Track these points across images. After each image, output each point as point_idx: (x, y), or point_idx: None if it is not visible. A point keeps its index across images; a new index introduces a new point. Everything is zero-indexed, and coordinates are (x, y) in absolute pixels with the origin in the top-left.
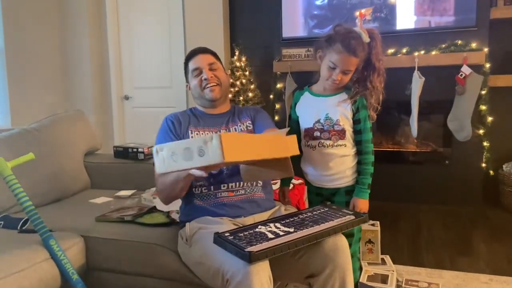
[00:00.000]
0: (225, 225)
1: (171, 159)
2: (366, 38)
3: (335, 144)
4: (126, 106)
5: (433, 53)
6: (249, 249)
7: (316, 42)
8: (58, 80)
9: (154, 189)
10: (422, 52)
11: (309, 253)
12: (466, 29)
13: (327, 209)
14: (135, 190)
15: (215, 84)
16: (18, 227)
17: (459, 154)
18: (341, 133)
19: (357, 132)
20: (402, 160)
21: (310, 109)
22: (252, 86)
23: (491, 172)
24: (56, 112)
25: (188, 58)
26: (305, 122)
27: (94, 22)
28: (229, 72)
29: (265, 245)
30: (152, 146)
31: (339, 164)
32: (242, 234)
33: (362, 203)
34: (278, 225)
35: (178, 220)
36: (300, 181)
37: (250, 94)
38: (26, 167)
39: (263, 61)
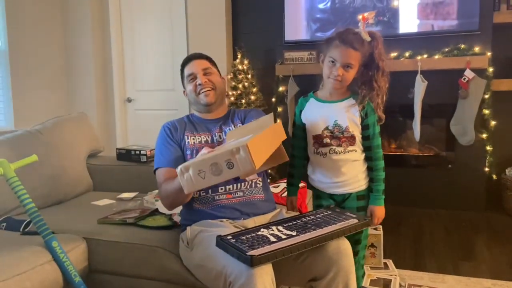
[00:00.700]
0: (226, 228)
1: (198, 177)
2: (366, 37)
3: (346, 150)
4: (128, 109)
5: (436, 57)
6: (251, 252)
7: (319, 46)
8: (61, 82)
9: (156, 191)
10: (425, 56)
11: (312, 256)
12: (469, 33)
13: (330, 212)
14: (138, 193)
15: (210, 89)
16: (21, 229)
17: (462, 158)
18: (351, 139)
19: (366, 138)
20: (405, 164)
21: (318, 116)
22: (254, 89)
23: (494, 176)
24: (59, 114)
25: (184, 64)
26: (313, 129)
27: (97, 25)
28: (231, 75)
29: (267, 248)
30: (154, 149)
31: (352, 169)
32: (244, 237)
33: (379, 210)
34: (280, 228)
35: (180, 223)
36: (302, 184)
37: (252, 97)
38: (29, 169)
39: (266, 64)
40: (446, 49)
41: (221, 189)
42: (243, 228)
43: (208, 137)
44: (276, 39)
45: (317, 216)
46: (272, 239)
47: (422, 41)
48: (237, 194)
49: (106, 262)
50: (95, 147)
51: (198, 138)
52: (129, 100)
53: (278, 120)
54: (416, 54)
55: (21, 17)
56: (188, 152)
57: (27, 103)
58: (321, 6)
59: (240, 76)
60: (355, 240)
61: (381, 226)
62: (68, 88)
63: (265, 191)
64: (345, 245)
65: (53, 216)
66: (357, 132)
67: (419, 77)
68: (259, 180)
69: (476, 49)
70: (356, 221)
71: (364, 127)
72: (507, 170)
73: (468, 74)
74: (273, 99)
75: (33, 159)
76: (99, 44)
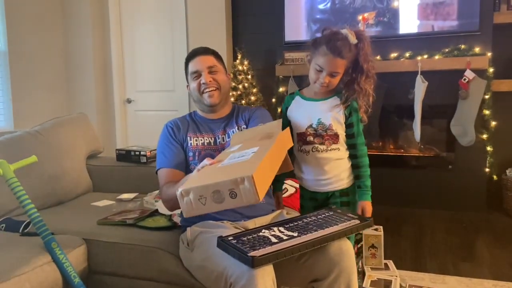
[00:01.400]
0: (226, 229)
1: (199, 203)
2: (353, 39)
3: (328, 148)
4: (128, 109)
5: (436, 57)
6: (252, 253)
7: (306, 46)
8: (61, 83)
9: (156, 192)
10: (425, 56)
11: (314, 257)
12: (469, 33)
13: (331, 213)
14: (137, 193)
15: (214, 89)
16: (20, 230)
17: (462, 159)
18: (335, 138)
19: (350, 136)
20: (405, 165)
21: (302, 114)
22: (254, 90)
23: (495, 177)
24: (59, 115)
25: (188, 58)
26: (298, 126)
27: (97, 26)
28: (231, 75)
29: (268, 249)
30: (154, 150)
31: (334, 168)
32: (245, 238)
33: (369, 205)
34: (281, 229)
35: (180, 224)
36: (297, 185)
37: (253, 98)
38: (28, 170)
39: (266, 65)
40: (447, 50)
41: None
42: (244, 229)
43: (211, 139)
44: (276, 40)
45: (318, 217)
46: (274, 240)
47: (422, 42)
48: None
49: (105, 263)
50: (95, 147)
51: (201, 140)
52: (129, 101)
53: (287, 129)
54: (416, 55)
55: (20, 18)
56: (191, 154)
57: (26, 104)
58: (321, 6)
59: (240, 77)
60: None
61: (381, 227)
62: (68, 89)
63: (267, 193)
64: (347, 245)
65: (52, 217)
66: (340, 130)
67: (419, 78)
68: None
69: (476, 49)
70: (357, 221)
71: (348, 125)
72: (507, 171)
73: (469, 74)
74: (273, 100)
75: (32, 160)
76: (99, 45)
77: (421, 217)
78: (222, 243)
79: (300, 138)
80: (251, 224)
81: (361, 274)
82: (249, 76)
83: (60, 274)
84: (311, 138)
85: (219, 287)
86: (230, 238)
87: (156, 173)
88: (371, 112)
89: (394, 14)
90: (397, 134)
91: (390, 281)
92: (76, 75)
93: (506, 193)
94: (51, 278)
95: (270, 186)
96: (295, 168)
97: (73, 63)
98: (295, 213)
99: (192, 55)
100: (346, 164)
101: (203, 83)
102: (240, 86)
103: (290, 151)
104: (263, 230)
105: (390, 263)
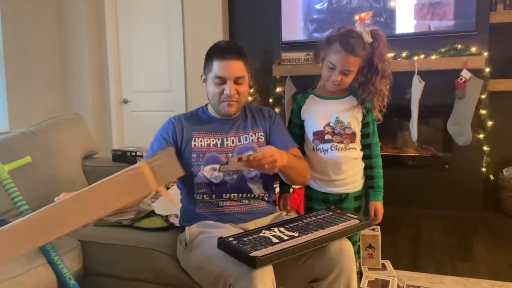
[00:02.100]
0: (226, 229)
1: None
2: (367, 38)
3: (347, 147)
4: (124, 110)
5: (433, 57)
6: (254, 253)
7: (319, 45)
8: (56, 83)
9: (152, 192)
10: (422, 56)
11: (314, 257)
12: (466, 33)
13: (331, 213)
14: None
15: (235, 101)
16: None
17: (459, 158)
18: (352, 137)
19: (365, 135)
20: (402, 165)
21: (319, 112)
22: (251, 90)
23: (491, 176)
24: (54, 115)
25: (215, 55)
26: (314, 125)
27: (93, 26)
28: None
29: (269, 249)
30: None
31: (352, 167)
32: (246, 239)
33: (381, 206)
34: (282, 229)
35: (176, 224)
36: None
37: (250, 98)
38: (23, 171)
39: (263, 65)
40: (443, 50)
41: (226, 195)
42: (243, 230)
43: (218, 140)
44: (273, 40)
45: (318, 217)
46: (275, 240)
47: (419, 42)
48: (243, 202)
49: (101, 264)
50: (91, 148)
51: (207, 140)
52: (125, 101)
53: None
54: (413, 55)
55: (16, 19)
56: (194, 155)
57: (22, 104)
58: (318, 6)
59: None
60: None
61: (379, 227)
62: (64, 89)
63: (269, 198)
64: (347, 246)
65: None
66: (357, 129)
67: (416, 78)
68: (266, 196)
69: (473, 49)
70: (357, 221)
71: (365, 124)
72: (504, 170)
73: (465, 74)
74: (271, 100)
75: (26, 161)
76: (95, 45)
77: (418, 217)
78: (223, 243)
79: (317, 136)
80: (251, 225)
81: (359, 275)
82: None
83: (55, 276)
84: (330, 137)
85: None
86: (231, 239)
87: None
88: (385, 112)
89: (390, 14)
90: (394, 134)
91: (388, 281)
92: (72, 75)
93: (503, 193)
94: (46, 280)
95: (274, 189)
96: None
97: (69, 63)
98: (294, 214)
99: (220, 54)
100: (361, 165)
101: (226, 94)
102: None
103: (303, 152)
104: (264, 231)
105: (388, 263)
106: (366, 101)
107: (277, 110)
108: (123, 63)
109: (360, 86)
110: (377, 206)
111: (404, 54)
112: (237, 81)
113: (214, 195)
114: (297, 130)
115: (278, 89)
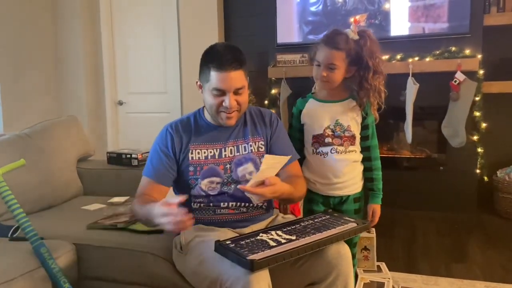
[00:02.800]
0: (222, 232)
1: None
2: (352, 35)
3: (347, 150)
4: (120, 112)
5: (427, 59)
6: (251, 257)
7: (309, 48)
8: (51, 85)
9: None
10: (416, 58)
11: (311, 260)
12: (460, 35)
13: (328, 216)
14: (129, 197)
15: (235, 111)
16: (9, 235)
17: (453, 160)
18: (352, 139)
19: (365, 138)
20: (397, 166)
21: (319, 115)
22: None
23: (486, 178)
24: (49, 117)
25: (213, 64)
26: (315, 128)
27: (88, 27)
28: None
29: (267, 253)
30: (146, 152)
31: (351, 170)
32: (243, 242)
33: (379, 209)
34: (279, 232)
35: None
36: None
37: None
38: (17, 174)
39: (258, 67)
40: (437, 52)
41: (224, 204)
42: (239, 234)
43: (216, 151)
44: (268, 42)
45: (315, 220)
46: (272, 243)
47: (414, 44)
48: (240, 210)
49: (96, 268)
50: (86, 150)
51: (204, 152)
52: (120, 103)
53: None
54: (407, 57)
55: (10, 20)
56: (191, 169)
57: (16, 106)
58: (313, 8)
59: None
60: (352, 243)
61: (374, 229)
62: (59, 91)
63: (268, 206)
64: (345, 249)
65: (42, 221)
66: (357, 132)
67: (410, 80)
68: (265, 205)
69: (467, 51)
70: (355, 225)
71: (364, 126)
72: (498, 172)
73: (459, 76)
74: (266, 102)
75: (20, 164)
76: (90, 46)
77: (413, 219)
78: (220, 247)
79: (317, 140)
80: (248, 229)
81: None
82: None
83: (49, 279)
84: (330, 140)
85: None
86: (228, 242)
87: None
88: (385, 108)
89: (385, 17)
90: (389, 135)
91: (383, 283)
92: (66, 77)
93: (497, 194)
94: (40, 284)
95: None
96: (306, 172)
97: (63, 65)
98: (290, 217)
99: (219, 65)
100: (360, 168)
101: (226, 106)
102: None
103: (303, 155)
104: (261, 234)
105: (383, 265)
106: (365, 101)
107: (273, 111)
108: (118, 64)
109: (357, 86)
110: (375, 208)
111: (398, 56)
112: (237, 91)
113: (211, 204)
114: (297, 134)
115: (273, 91)
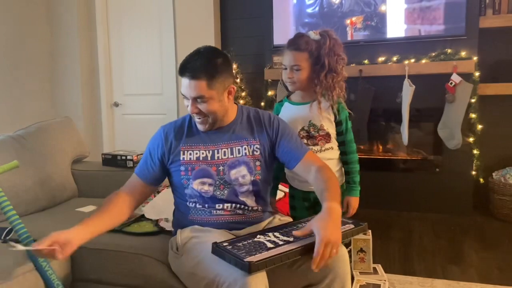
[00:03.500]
0: (219, 234)
1: None
2: (313, 36)
3: (322, 148)
4: (115, 113)
5: (423, 61)
6: (249, 259)
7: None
8: (46, 86)
9: None
10: (413, 60)
11: (308, 262)
12: (456, 37)
13: None
14: None
15: (203, 117)
16: (2, 237)
17: (449, 162)
18: (327, 137)
19: (339, 133)
20: (393, 168)
21: (293, 118)
22: (243, 94)
23: (481, 180)
24: (44, 118)
25: (179, 71)
26: None
27: (84, 28)
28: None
29: (264, 254)
30: (141, 154)
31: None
32: (240, 244)
33: (355, 201)
34: (276, 234)
35: (167, 229)
36: (286, 189)
37: (241, 101)
38: (11, 175)
39: (254, 68)
40: (433, 54)
41: (219, 205)
42: (236, 236)
43: (208, 152)
44: (265, 44)
45: None
46: (269, 245)
47: (410, 46)
48: (236, 212)
49: (90, 270)
50: (81, 152)
51: (196, 153)
52: (116, 105)
53: None
54: (403, 59)
55: (5, 20)
56: (182, 168)
57: (10, 107)
58: (309, 10)
59: None
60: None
61: (370, 231)
62: (54, 92)
63: (264, 209)
64: (342, 251)
65: (36, 223)
66: (331, 129)
67: (406, 82)
68: (260, 208)
69: (463, 53)
70: (352, 226)
71: (338, 123)
72: (494, 174)
73: (455, 78)
74: (262, 103)
75: (13, 165)
76: (85, 48)
77: (409, 220)
78: (217, 248)
79: None
80: (244, 231)
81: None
82: (238, 80)
83: (43, 282)
84: (305, 141)
85: None
86: (225, 243)
87: None
88: (382, 110)
89: (381, 19)
90: (385, 137)
91: (379, 285)
92: (62, 78)
93: (493, 196)
94: (33, 286)
95: (268, 200)
96: (287, 170)
97: (59, 66)
98: (288, 219)
99: (182, 71)
100: (337, 164)
101: (190, 111)
102: None
103: None
104: (258, 236)
105: (379, 267)
106: (333, 98)
107: (271, 113)
108: (114, 66)
109: (318, 83)
110: (351, 200)
111: (394, 58)
112: (197, 101)
113: (206, 205)
114: None
115: (270, 93)
